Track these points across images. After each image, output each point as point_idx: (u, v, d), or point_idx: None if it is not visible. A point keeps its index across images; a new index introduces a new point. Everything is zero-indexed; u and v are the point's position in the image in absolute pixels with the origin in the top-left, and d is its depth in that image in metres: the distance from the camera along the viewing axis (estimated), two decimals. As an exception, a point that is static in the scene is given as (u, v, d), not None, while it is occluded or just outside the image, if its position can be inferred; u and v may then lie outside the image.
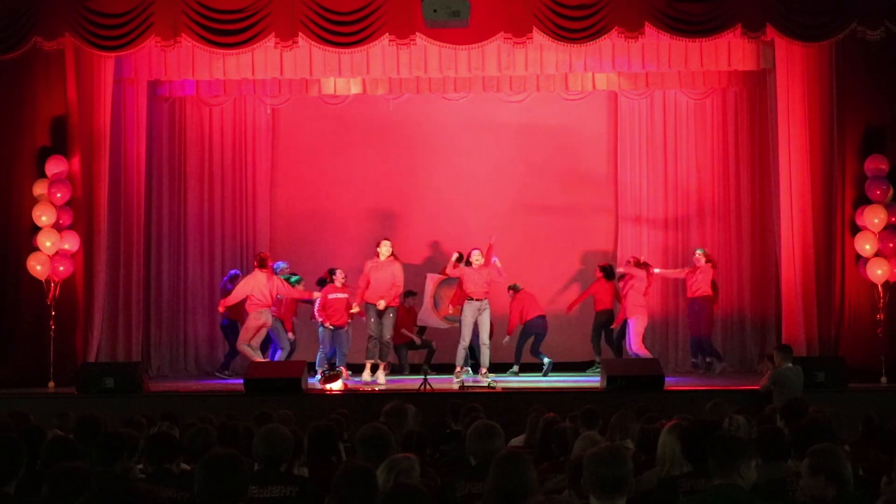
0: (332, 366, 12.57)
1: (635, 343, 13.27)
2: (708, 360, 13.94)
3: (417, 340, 14.41)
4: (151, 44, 12.56)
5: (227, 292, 13.46)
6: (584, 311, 14.48)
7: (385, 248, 12.65)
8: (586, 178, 15.37)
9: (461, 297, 13.11)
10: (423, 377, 11.66)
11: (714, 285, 13.88)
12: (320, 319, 12.84)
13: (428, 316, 13.98)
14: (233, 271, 14.03)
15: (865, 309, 12.60)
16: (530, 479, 4.16)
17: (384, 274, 12.56)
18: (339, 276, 12.95)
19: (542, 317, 14.01)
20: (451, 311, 13.53)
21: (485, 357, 12.72)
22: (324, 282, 13.24)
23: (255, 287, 12.65)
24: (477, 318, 12.66)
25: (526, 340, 13.98)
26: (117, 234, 13.81)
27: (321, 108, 15.18)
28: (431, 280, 14.01)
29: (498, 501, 4.12)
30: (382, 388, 12.14)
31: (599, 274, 14.35)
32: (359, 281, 12.63)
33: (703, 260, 13.83)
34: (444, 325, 13.71)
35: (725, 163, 14.89)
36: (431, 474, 5.46)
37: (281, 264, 13.52)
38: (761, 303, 14.52)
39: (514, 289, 14.02)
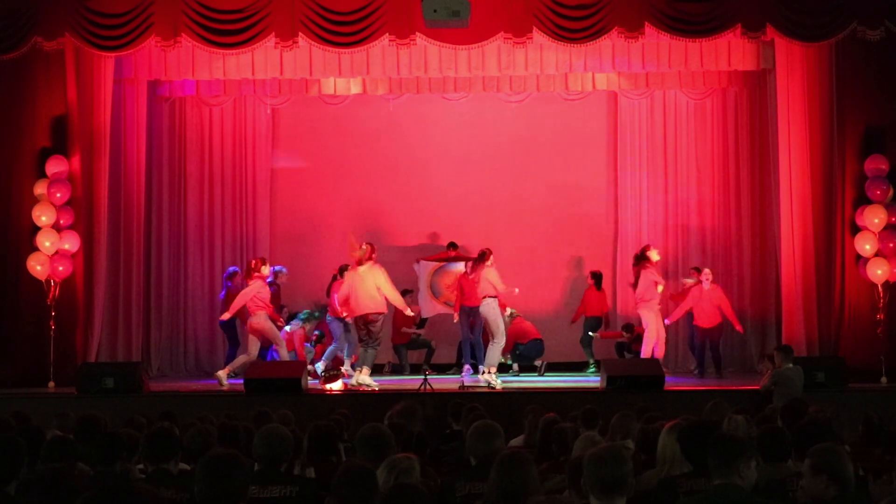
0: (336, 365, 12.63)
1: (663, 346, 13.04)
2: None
3: (421, 332, 14.27)
4: (151, 44, 12.55)
5: (227, 290, 13.46)
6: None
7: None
8: (586, 177, 15.36)
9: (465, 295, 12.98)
10: (423, 377, 11.67)
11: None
12: (344, 314, 12.25)
13: (427, 305, 13.95)
14: (231, 268, 13.97)
15: (865, 309, 12.60)
16: (532, 480, 4.16)
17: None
18: None
19: (539, 340, 13.91)
20: (452, 298, 13.50)
21: (493, 356, 12.46)
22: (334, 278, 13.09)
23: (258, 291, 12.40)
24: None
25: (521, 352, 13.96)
26: (117, 234, 13.81)
27: (321, 108, 15.18)
28: (424, 268, 13.99)
29: (500, 501, 4.12)
30: (383, 388, 12.15)
31: (591, 281, 14.33)
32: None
33: (709, 281, 13.35)
34: (447, 310, 13.71)
35: (725, 163, 14.88)
36: (431, 474, 5.45)
37: (280, 268, 13.45)
38: (761, 303, 14.52)
39: (511, 315, 13.80)
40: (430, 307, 14.08)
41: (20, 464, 4.47)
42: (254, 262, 12.69)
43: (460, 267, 13.45)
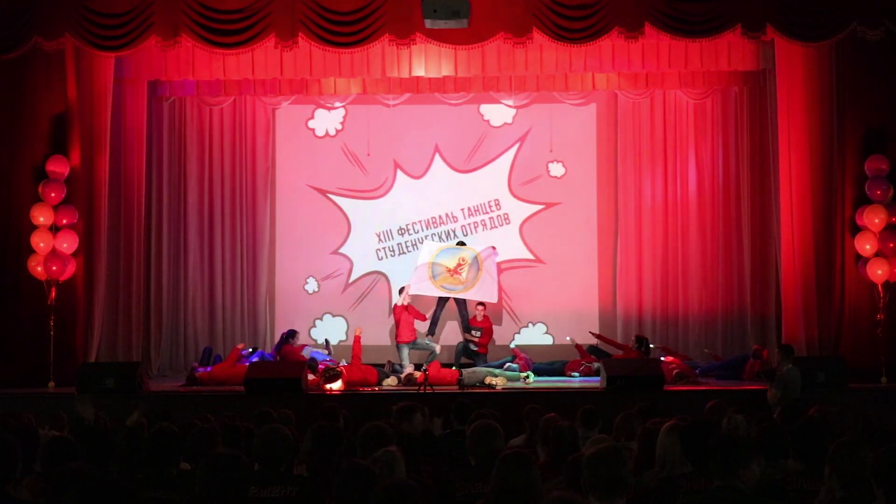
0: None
1: None
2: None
3: (477, 337, 13.94)
4: (151, 44, 12.54)
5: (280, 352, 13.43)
6: (575, 317, 14.57)
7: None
8: (586, 177, 15.34)
9: None
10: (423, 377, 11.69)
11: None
12: None
13: (421, 282, 13.83)
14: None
15: (865, 309, 12.60)
16: (534, 480, 4.16)
17: None
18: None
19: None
20: (449, 281, 13.58)
21: None
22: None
23: None
24: None
25: None
26: (117, 234, 13.81)
27: (321, 108, 15.18)
28: (429, 247, 13.98)
29: (502, 501, 4.11)
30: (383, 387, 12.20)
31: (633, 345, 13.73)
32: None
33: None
34: (441, 292, 13.76)
35: (725, 163, 14.87)
36: (425, 473, 5.45)
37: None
38: (761, 302, 14.50)
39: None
40: (423, 286, 13.94)
41: (16, 463, 4.46)
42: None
43: (465, 252, 13.77)
